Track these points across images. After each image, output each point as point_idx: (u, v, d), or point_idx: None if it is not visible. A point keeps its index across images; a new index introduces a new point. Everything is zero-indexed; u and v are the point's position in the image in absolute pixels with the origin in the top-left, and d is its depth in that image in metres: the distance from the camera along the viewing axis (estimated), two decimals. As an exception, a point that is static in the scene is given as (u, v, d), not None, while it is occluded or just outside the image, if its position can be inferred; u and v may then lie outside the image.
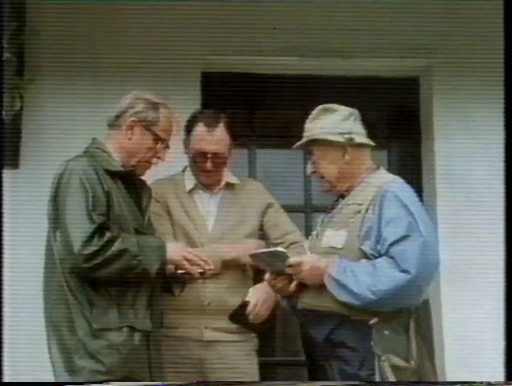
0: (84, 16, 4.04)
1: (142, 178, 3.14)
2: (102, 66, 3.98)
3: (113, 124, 3.09)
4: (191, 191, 3.39)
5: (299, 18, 4.15)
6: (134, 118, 3.05)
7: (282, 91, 4.26)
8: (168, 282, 3.10)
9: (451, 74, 4.19)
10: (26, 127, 3.99)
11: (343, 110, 3.08)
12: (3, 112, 3.80)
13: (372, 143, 3.10)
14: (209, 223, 3.36)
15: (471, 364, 3.80)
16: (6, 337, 3.27)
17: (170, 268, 3.02)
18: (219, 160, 3.32)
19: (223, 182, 3.41)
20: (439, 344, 3.92)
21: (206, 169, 3.33)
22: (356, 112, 3.11)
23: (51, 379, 2.98)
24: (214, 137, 3.30)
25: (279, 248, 3.05)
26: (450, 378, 3.82)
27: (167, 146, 3.09)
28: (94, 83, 4.00)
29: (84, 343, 2.86)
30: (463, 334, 4.01)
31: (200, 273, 3.05)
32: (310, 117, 3.10)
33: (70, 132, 3.98)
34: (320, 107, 3.09)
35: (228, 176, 3.43)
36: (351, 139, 3.02)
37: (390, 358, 2.83)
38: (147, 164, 3.09)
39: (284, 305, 3.15)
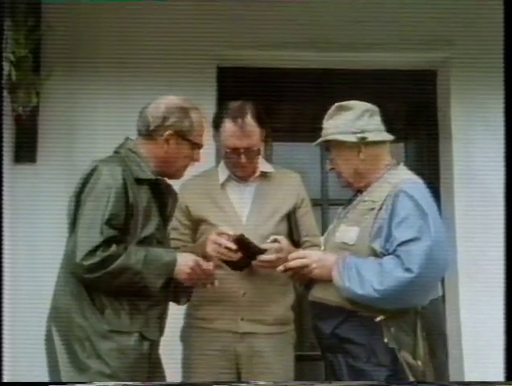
0: (100, 13, 4.04)
1: (170, 182, 3.07)
2: (118, 62, 3.98)
3: (147, 134, 3.00)
4: (224, 184, 3.31)
5: (315, 12, 4.14)
6: (170, 131, 2.97)
7: (299, 85, 4.24)
8: (175, 292, 3.01)
9: (469, 66, 4.15)
10: (42, 123, 4.01)
11: (358, 107, 3.04)
12: (20, 108, 3.85)
13: (389, 138, 3.07)
14: (243, 214, 3.27)
15: (486, 364, 3.77)
16: (6, 337, 3.26)
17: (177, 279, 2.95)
18: (252, 153, 3.24)
19: (258, 172, 3.33)
20: (454, 343, 3.91)
21: (240, 164, 3.25)
22: (373, 107, 3.07)
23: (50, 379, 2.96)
24: (244, 132, 3.20)
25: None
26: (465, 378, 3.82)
27: (201, 147, 3.05)
28: (110, 79, 4.01)
29: (93, 343, 2.81)
30: (477, 333, 4.00)
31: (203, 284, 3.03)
32: (327, 114, 3.07)
33: (86, 127, 4.00)
34: (336, 105, 3.06)
35: (262, 165, 3.35)
36: (363, 138, 2.99)
37: (403, 354, 2.84)
38: (184, 168, 3.06)
39: (301, 292, 3.17)
